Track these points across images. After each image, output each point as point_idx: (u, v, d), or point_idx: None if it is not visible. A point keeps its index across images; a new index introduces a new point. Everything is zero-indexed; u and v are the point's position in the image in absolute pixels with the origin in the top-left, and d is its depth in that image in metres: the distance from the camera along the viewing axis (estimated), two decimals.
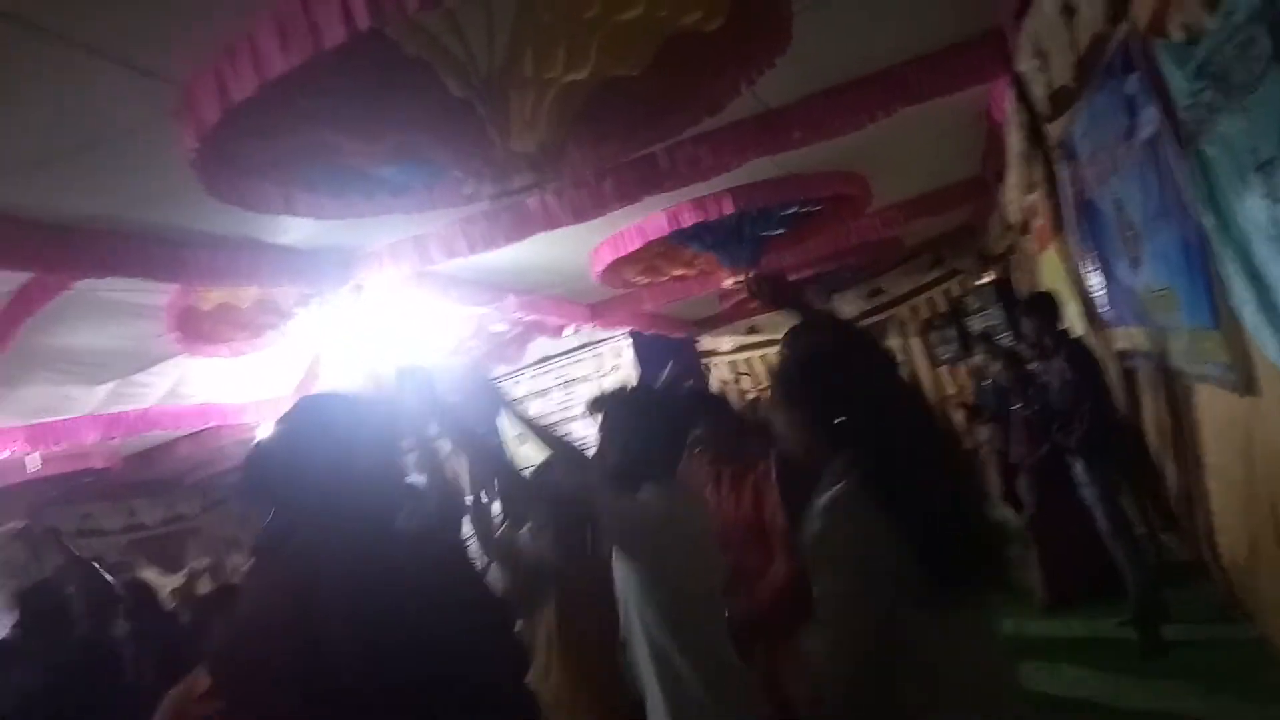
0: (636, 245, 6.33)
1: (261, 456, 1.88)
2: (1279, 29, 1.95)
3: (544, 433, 2.52)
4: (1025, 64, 4.23)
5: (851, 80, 4.80)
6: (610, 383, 11.53)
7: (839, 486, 1.72)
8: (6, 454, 6.87)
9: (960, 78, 4.80)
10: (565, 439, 2.58)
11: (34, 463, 7.30)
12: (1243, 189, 2.37)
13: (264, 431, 8.81)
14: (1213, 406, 3.92)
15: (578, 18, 3.06)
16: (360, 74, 3.04)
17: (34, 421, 6.92)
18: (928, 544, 1.63)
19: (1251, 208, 2.35)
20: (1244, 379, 3.11)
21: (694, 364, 11.97)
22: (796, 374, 1.93)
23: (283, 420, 1.90)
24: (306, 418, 1.90)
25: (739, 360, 12.50)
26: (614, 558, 2.49)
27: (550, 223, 5.16)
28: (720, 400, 4.20)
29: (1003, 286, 9.57)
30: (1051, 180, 4.95)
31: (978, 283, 10.52)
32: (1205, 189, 2.67)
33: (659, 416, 2.56)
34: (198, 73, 2.89)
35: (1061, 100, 4.20)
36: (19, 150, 3.25)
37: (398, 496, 1.97)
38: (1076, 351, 5.02)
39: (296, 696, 1.59)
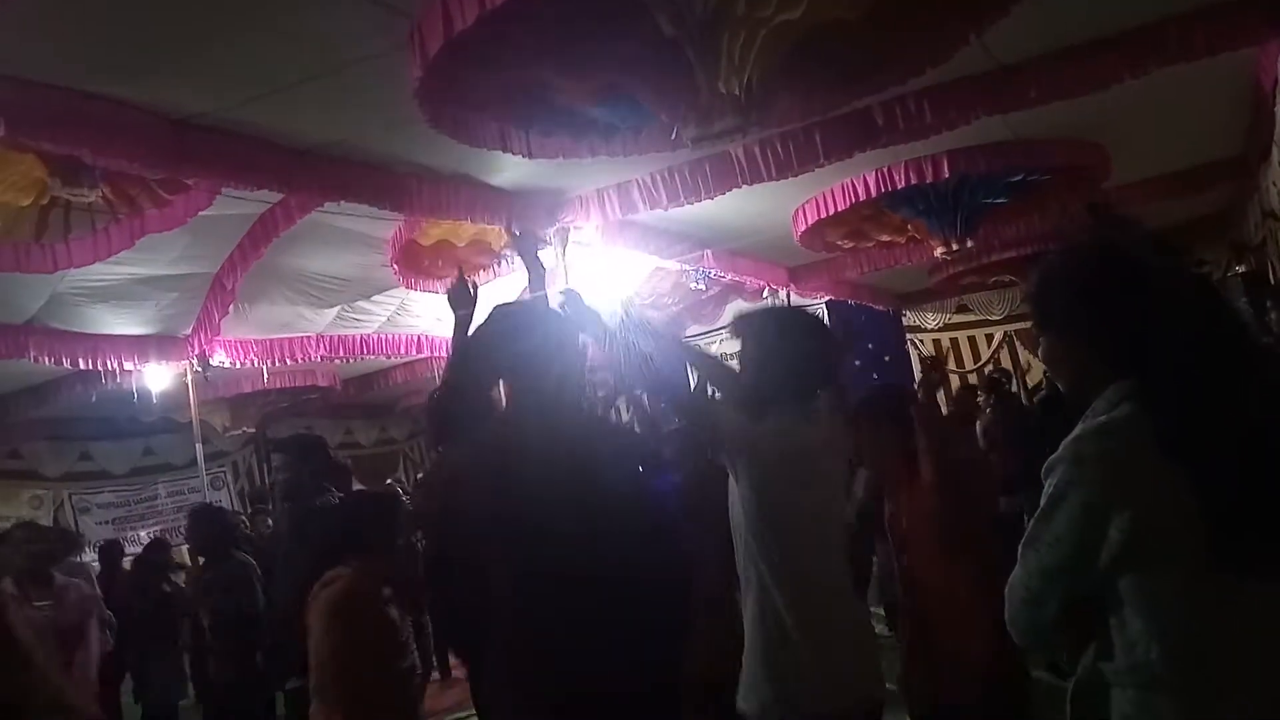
0: (842, 206, 6.13)
1: (470, 344, 2.13)
2: None
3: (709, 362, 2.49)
4: None
5: (1101, 36, 4.39)
6: None
7: (1113, 412, 1.46)
8: (241, 363, 7.66)
9: (1226, 37, 4.28)
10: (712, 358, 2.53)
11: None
12: None
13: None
14: None
15: None
16: (575, 9, 3.08)
17: (269, 336, 7.65)
18: (1218, 493, 1.37)
19: None
20: None
21: (895, 339, 11.55)
22: (1071, 284, 1.58)
23: (484, 322, 2.09)
24: (503, 316, 2.08)
25: (945, 339, 11.95)
26: (729, 483, 2.33)
27: (754, 175, 5.08)
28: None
29: (1253, 279, 8.60)
30: None
31: (1225, 274, 9.49)
32: None
33: (798, 340, 2.34)
34: (427, 5, 3.03)
35: None
36: (266, 74, 3.55)
37: (580, 388, 2.12)
38: None
39: (497, 542, 1.77)
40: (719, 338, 12.36)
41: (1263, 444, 1.43)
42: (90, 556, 7.92)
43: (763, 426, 2.27)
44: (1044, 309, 1.64)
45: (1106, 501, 1.43)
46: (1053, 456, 1.50)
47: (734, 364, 2.51)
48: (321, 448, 4.51)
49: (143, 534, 10.88)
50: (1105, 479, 1.44)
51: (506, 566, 1.78)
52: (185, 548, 7.19)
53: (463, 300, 2.87)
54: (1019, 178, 6.26)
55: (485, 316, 2.09)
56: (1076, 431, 1.50)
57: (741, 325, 2.49)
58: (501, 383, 2.04)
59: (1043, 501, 1.50)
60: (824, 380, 2.46)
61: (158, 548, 6.56)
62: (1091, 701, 1.52)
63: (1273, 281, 8.00)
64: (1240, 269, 9.28)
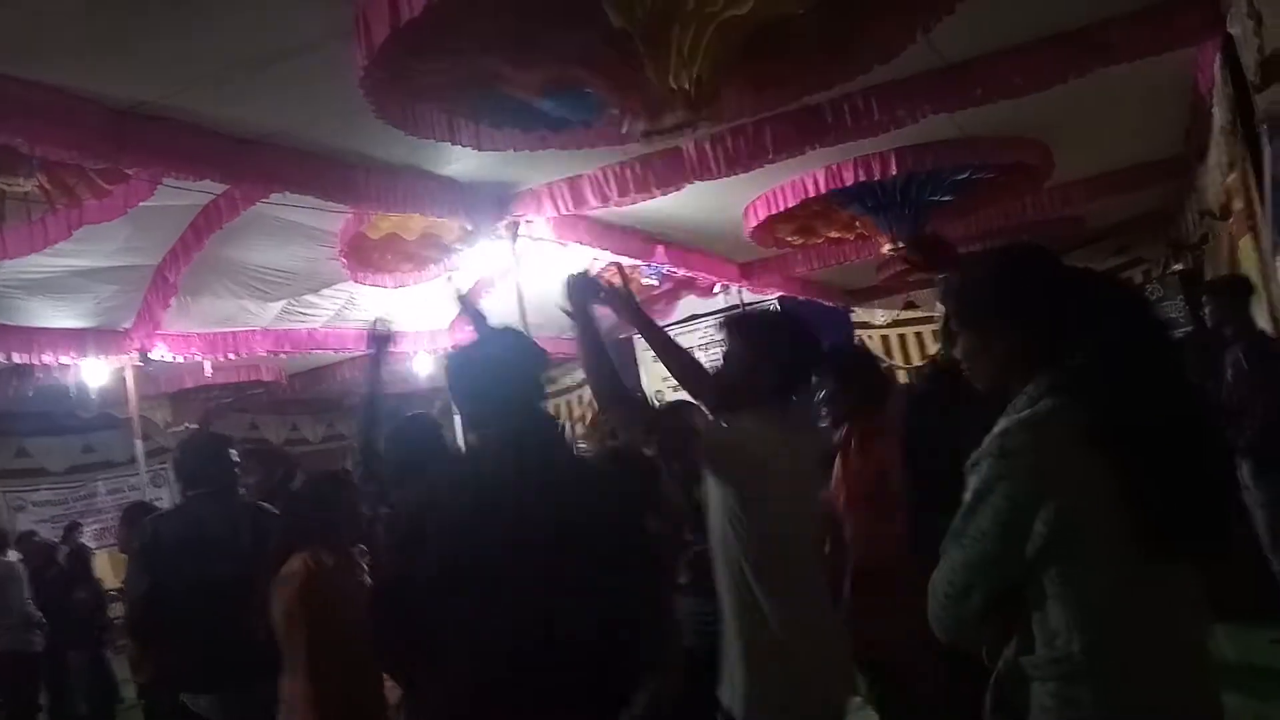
0: (792, 202, 6.18)
1: (464, 363, 2.15)
2: None
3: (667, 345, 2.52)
4: (1237, 26, 3.82)
5: (1045, 36, 4.48)
6: None
7: (1036, 406, 1.49)
8: (183, 358, 7.50)
9: (1165, 38, 4.40)
10: (686, 352, 2.55)
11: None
12: None
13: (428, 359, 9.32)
14: None
15: None
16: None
17: (212, 330, 7.49)
18: (1145, 484, 1.40)
19: None
20: None
21: (846, 335, 11.68)
22: (991, 281, 1.64)
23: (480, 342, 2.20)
24: (501, 342, 2.17)
25: (893, 335, 12.12)
26: (705, 482, 2.35)
27: (704, 171, 5.10)
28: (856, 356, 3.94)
29: (1190, 276, 8.85)
30: (1254, 158, 4.46)
31: (1164, 272, 9.73)
32: None
33: (790, 345, 2.37)
34: None
35: (1273, 68, 3.77)
36: (209, 61, 3.47)
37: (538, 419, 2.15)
38: (1257, 342, 4.52)
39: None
40: (669, 332, 12.43)
41: (1185, 434, 1.47)
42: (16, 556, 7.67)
43: (749, 430, 2.29)
44: (969, 304, 1.67)
45: (1032, 494, 1.44)
46: (977, 451, 1.51)
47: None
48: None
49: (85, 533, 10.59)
50: (1031, 472, 1.45)
51: (456, 597, 1.79)
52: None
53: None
54: (965, 175, 6.36)
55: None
56: (1001, 425, 1.51)
57: (733, 324, 2.51)
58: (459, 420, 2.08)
59: (968, 496, 1.50)
60: (803, 384, 2.51)
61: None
62: (1010, 696, 1.54)
63: (1209, 279, 8.23)
64: (1178, 267, 9.53)
